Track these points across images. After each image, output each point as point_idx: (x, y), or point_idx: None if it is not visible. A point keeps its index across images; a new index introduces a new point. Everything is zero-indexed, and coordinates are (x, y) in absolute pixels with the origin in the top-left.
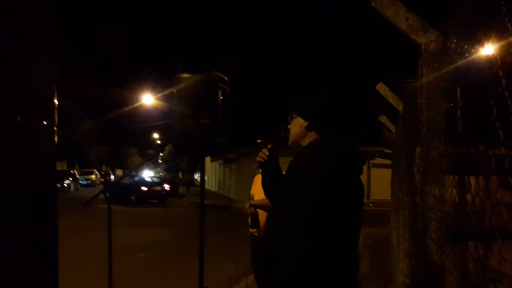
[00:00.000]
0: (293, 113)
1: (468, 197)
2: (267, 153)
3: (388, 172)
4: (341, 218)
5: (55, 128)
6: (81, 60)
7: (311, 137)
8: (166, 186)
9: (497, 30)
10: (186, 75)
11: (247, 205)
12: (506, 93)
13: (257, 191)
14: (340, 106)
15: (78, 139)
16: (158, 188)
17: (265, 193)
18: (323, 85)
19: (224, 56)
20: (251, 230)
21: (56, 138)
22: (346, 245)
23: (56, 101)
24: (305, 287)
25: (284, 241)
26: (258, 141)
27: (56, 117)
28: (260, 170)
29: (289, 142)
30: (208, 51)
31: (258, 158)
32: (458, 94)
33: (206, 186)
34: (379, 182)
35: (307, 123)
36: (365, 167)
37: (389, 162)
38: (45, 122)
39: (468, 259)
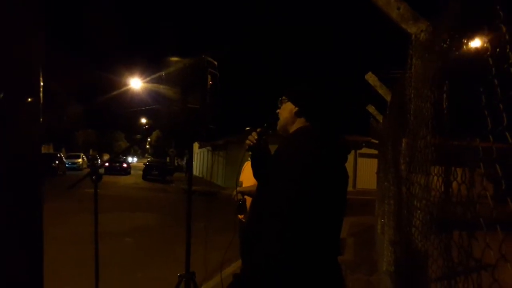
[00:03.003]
0: (283, 97)
1: (454, 185)
2: (256, 136)
3: (374, 162)
4: (322, 205)
5: (40, 106)
6: (68, 43)
7: (299, 123)
8: (124, 164)
9: (487, 20)
10: (175, 58)
11: (234, 192)
12: (496, 81)
13: (246, 178)
14: (331, 94)
15: (65, 122)
16: (117, 164)
17: (254, 177)
18: (314, 73)
19: (215, 41)
20: (239, 216)
21: (41, 117)
22: (327, 231)
23: (41, 80)
24: (285, 271)
25: (266, 226)
26: (247, 128)
27: (41, 95)
28: (248, 156)
29: (278, 127)
30: (198, 35)
31: (247, 141)
32: (446, 85)
33: (194, 173)
34: (365, 171)
35: (296, 108)
36: (351, 157)
37: (375, 152)
38: (30, 99)
39: (452, 247)
